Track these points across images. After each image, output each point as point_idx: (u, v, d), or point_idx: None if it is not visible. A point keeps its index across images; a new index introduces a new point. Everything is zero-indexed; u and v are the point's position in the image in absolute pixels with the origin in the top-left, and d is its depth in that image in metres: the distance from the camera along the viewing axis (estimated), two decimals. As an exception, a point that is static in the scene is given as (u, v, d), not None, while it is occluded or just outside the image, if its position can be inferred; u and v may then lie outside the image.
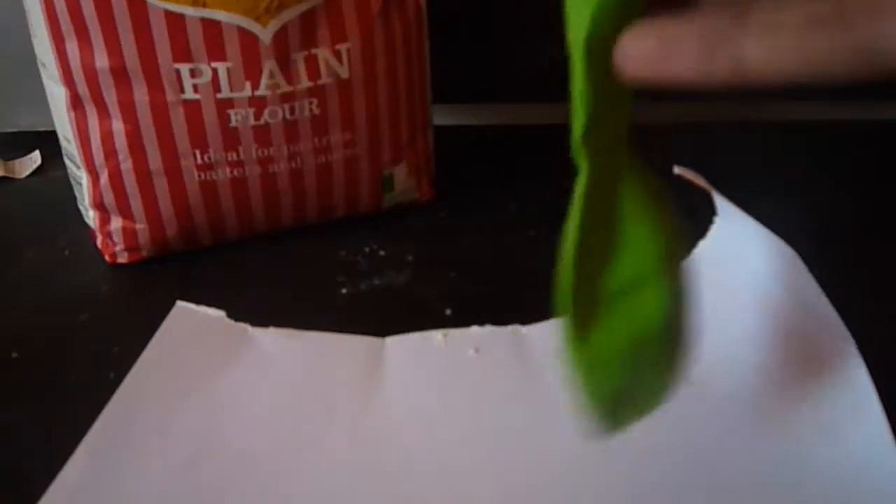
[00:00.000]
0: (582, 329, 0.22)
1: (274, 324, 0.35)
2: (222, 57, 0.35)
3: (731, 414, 0.29)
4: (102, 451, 0.28)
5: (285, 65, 0.36)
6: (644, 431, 0.29)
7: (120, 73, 0.35)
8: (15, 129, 0.56)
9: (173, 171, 0.37)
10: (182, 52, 0.35)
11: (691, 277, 0.24)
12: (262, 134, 0.37)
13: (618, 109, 0.21)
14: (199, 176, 0.38)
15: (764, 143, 0.52)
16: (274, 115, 0.37)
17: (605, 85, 0.20)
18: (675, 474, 0.27)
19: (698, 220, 0.37)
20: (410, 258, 0.40)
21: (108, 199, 0.38)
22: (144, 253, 0.40)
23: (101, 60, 0.35)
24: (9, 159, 0.51)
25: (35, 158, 0.51)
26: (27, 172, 0.50)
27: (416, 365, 0.32)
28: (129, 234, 0.39)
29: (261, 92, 0.36)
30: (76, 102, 0.37)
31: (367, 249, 0.41)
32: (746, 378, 0.31)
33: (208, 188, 0.38)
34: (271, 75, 0.36)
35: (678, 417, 0.29)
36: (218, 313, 0.35)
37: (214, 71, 0.36)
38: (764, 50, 0.16)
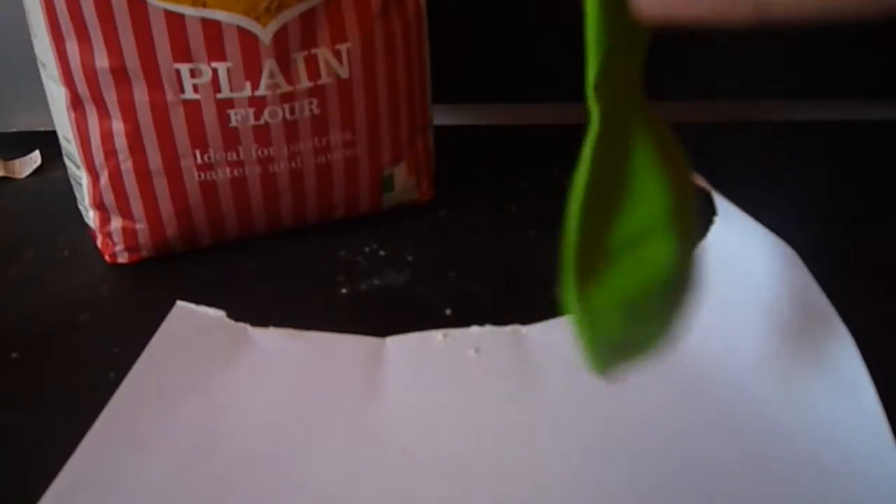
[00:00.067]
0: (585, 280, 0.21)
1: (274, 324, 0.35)
2: (222, 57, 0.35)
3: (730, 414, 0.29)
4: (102, 451, 0.28)
5: (285, 65, 0.36)
6: (644, 432, 0.29)
7: (120, 73, 0.35)
8: (15, 129, 0.56)
9: (173, 171, 0.37)
10: (182, 52, 0.35)
11: (701, 231, 0.24)
12: (262, 134, 0.37)
13: (632, 56, 0.21)
14: (199, 176, 0.38)
15: (764, 143, 0.52)
16: (274, 115, 0.37)
17: (619, 30, 0.19)
18: (675, 474, 0.27)
19: (698, 220, 0.37)
20: (410, 258, 0.40)
21: (108, 199, 0.38)
22: (144, 253, 0.40)
23: (101, 60, 0.35)
24: (9, 159, 0.51)
25: (35, 158, 0.51)
26: (27, 172, 0.50)
27: (416, 365, 0.32)
28: (129, 234, 0.39)
29: (261, 92, 0.37)
30: (76, 102, 0.37)
31: (367, 249, 0.41)
32: (746, 378, 0.31)
33: (208, 188, 0.38)
34: (271, 75, 0.36)
35: (678, 417, 0.29)
36: (218, 313, 0.35)
37: (214, 71, 0.36)
38: None
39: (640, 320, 0.23)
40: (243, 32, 0.35)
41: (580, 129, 0.22)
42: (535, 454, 0.28)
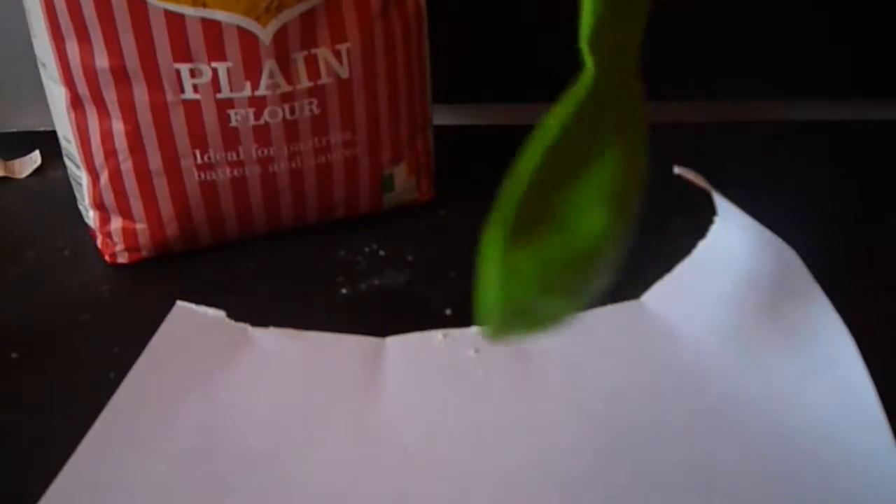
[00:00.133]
0: (514, 235, 0.21)
1: (274, 324, 0.35)
2: (222, 57, 0.35)
3: (730, 413, 0.29)
4: (102, 451, 0.28)
5: (285, 65, 0.36)
6: (644, 431, 0.29)
7: (120, 73, 0.35)
8: (15, 129, 0.56)
9: (173, 171, 0.37)
10: (182, 52, 0.35)
11: (636, 224, 0.23)
12: (262, 134, 0.37)
13: (632, 19, 0.20)
14: (199, 176, 0.38)
15: (764, 143, 0.52)
16: (274, 115, 0.37)
17: None
18: (675, 474, 0.27)
19: (698, 220, 0.37)
20: (410, 258, 0.40)
21: (108, 199, 0.38)
22: (144, 253, 0.40)
23: (101, 60, 0.35)
24: (9, 159, 0.50)
25: (35, 158, 0.51)
26: (27, 172, 0.50)
27: (416, 365, 0.32)
28: (129, 234, 0.39)
29: (261, 92, 0.36)
30: (76, 102, 0.37)
31: (367, 249, 0.41)
32: (746, 378, 0.31)
33: (208, 188, 0.38)
34: (271, 75, 0.36)
35: (678, 417, 0.29)
36: (218, 313, 0.35)
37: (214, 71, 0.36)
38: None
39: (552, 290, 0.22)
40: (243, 32, 0.35)
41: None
42: (535, 454, 0.28)
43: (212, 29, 0.35)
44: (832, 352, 0.31)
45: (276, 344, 0.34)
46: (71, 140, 0.38)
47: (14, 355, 0.34)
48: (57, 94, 0.37)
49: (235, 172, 0.38)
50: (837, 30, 0.52)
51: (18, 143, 0.52)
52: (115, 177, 0.37)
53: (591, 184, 0.21)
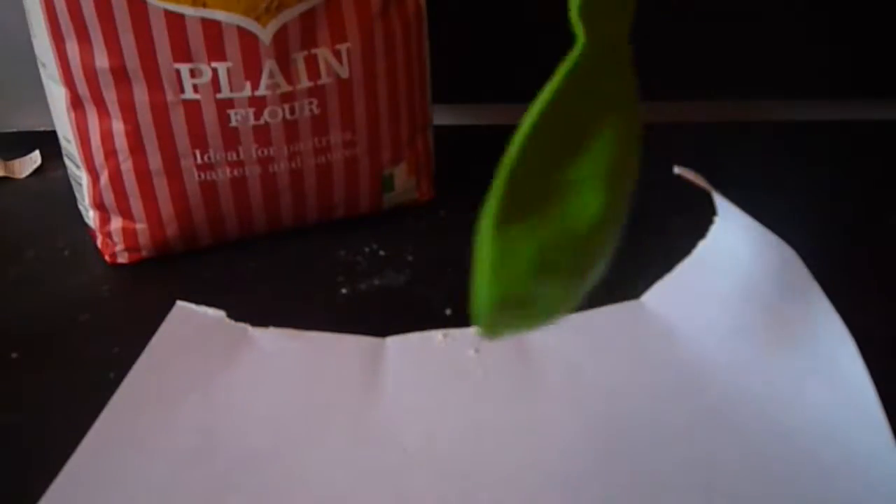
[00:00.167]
0: (506, 215, 0.20)
1: (274, 324, 0.35)
2: (222, 57, 0.35)
3: (730, 413, 0.29)
4: (102, 451, 0.28)
5: (285, 65, 0.36)
6: (644, 432, 0.29)
7: (120, 73, 0.35)
8: (15, 129, 0.56)
9: (173, 171, 0.37)
10: (182, 52, 0.35)
11: (631, 202, 0.23)
12: (262, 134, 0.37)
13: None
14: (199, 176, 0.38)
15: (764, 143, 0.52)
16: (274, 115, 0.37)
17: None
18: (675, 474, 0.27)
19: (698, 220, 0.37)
20: (410, 258, 0.40)
21: (108, 199, 0.38)
22: (144, 253, 0.40)
23: (101, 60, 0.35)
24: (9, 159, 0.51)
25: (35, 158, 0.51)
26: (27, 172, 0.50)
27: (416, 365, 0.32)
28: (129, 234, 0.39)
29: (261, 92, 0.37)
30: (76, 102, 0.37)
31: (367, 249, 0.41)
32: (745, 378, 0.31)
33: (208, 188, 0.38)
34: (271, 75, 0.36)
35: (678, 417, 0.29)
36: (218, 313, 0.35)
37: (214, 71, 0.36)
38: None
39: (550, 272, 0.21)
40: (243, 32, 0.35)
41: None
42: (535, 454, 0.28)
43: (212, 29, 0.35)
44: (832, 352, 0.31)
45: (276, 344, 0.34)
46: (71, 140, 0.38)
47: (14, 355, 0.34)
48: (57, 94, 0.37)
49: (235, 172, 0.38)
50: (837, 30, 0.52)
51: (18, 143, 0.52)
52: (115, 177, 0.37)
53: (586, 162, 0.21)
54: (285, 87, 0.37)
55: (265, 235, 0.41)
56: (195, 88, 0.36)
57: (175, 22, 0.34)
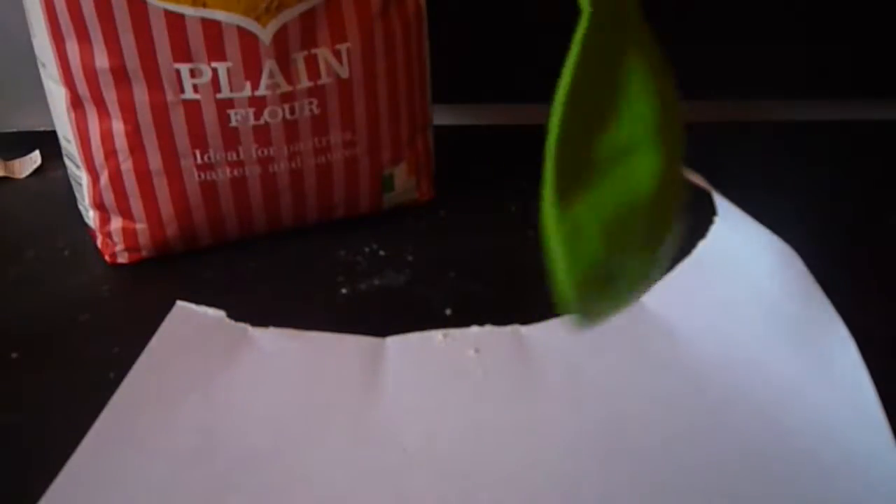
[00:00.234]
0: (564, 195, 0.20)
1: (274, 324, 0.35)
2: (222, 57, 0.35)
3: (730, 414, 0.29)
4: (102, 451, 0.28)
5: (285, 65, 0.36)
6: (644, 432, 0.29)
7: (120, 73, 0.35)
8: (15, 129, 0.56)
9: (173, 171, 0.37)
10: (182, 52, 0.35)
11: (685, 149, 0.22)
12: (262, 134, 0.37)
13: None
14: (199, 176, 0.38)
15: (764, 143, 0.52)
16: (274, 115, 0.37)
17: None
18: (675, 474, 0.27)
19: (698, 220, 0.37)
20: (410, 258, 0.40)
21: (108, 199, 0.38)
22: (144, 253, 0.40)
23: (101, 60, 0.35)
24: (9, 159, 0.51)
25: (35, 158, 0.51)
26: (27, 172, 0.50)
27: (416, 365, 0.32)
28: (129, 234, 0.39)
29: (261, 92, 0.36)
30: (76, 102, 0.37)
31: (367, 249, 0.41)
32: (746, 378, 0.31)
33: (208, 188, 0.38)
34: (271, 75, 0.36)
35: (678, 417, 0.29)
36: (218, 313, 0.35)
37: (214, 71, 0.36)
38: None
39: (622, 243, 0.21)
40: (243, 32, 0.35)
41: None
42: (535, 454, 0.28)
43: (212, 29, 0.35)
44: (832, 352, 0.31)
45: (276, 344, 0.34)
46: (71, 140, 0.38)
47: (14, 355, 0.34)
48: (57, 94, 0.37)
49: (235, 172, 0.38)
50: (837, 30, 0.52)
51: (18, 143, 0.52)
52: (115, 177, 0.37)
53: (627, 127, 0.20)
54: (285, 87, 0.37)
55: (265, 235, 0.41)
56: (195, 88, 0.36)
57: (175, 22, 0.34)
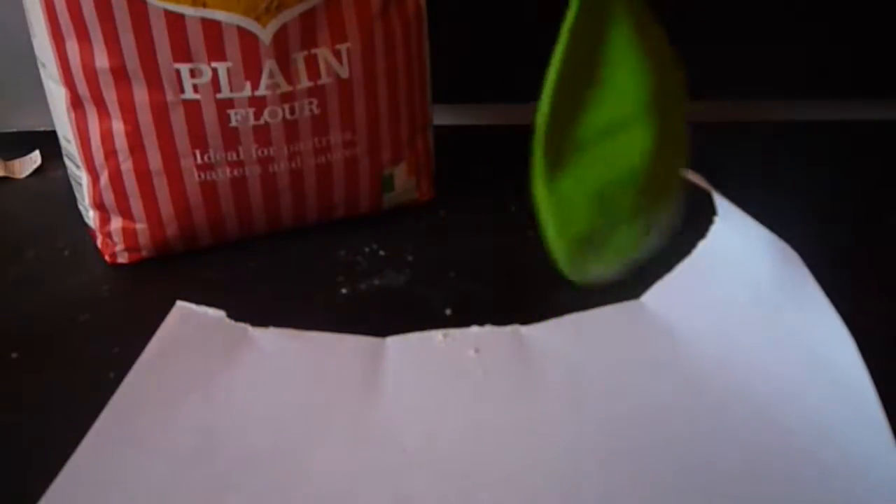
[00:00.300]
0: (555, 166, 0.21)
1: (274, 324, 0.35)
2: (222, 57, 0.35)
3: (730, 414, 0.29)
4: (102, 451, 0.28)
5: (285, 65, 0.36)
6: (644, 432, 0.29)
7: (120, 73, 0.35)
8: (15, 129, 0.56)
9: (173, 171, 0.37)
10: (182, 52, 0.35)
11: (685, 122, 0.23)
12: (262, 134, 0.37)
13: None
14: (199, 176, 0.38)
15: (764, 143, 0.52)
16: (274, 115, 0.37)
17: None
18: (675, 474, 0.27)
19: (698, 220, 0.37)
20: (410, 258, 0.40)
21: (108, 199, 0.38)
22: (144, 253, 0.40)
23: (101, 60, 0.35)
24: (9, 159, 0.51)
25: (35, 158, 0.51)
26: (27, 172, 0.50)
27: (416, 365, 0.32)
28: (129, 234, 0.39)
29: (261, 92, 0.37)
30: (76, 102, 0.37)
31: (367, 249, 0.41)
32: (745, 378, 0.31)
33: (208, 188, 0.38)
34: (271, 75, 0.36)
35: (678, 417, 0.29)
36: (218, 313, 0.35)
37: (214, 71, 0.36)
38: None
39: (610, 212, 0.22)
40: (243, 32, 0.35)
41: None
42: (535, 454, 0.28)
43: (212, 29, 0.35)
44: (832, 352, 0.31)
45: (276, 344, 0.34)
46: (71, 140, 0.38)
47: (14, 355, 0.34)
48: (57, 94, 0.37)
49: (235, 172, 0.38)
50: (837, 30, 0.52)
51: (18, 143, 0.52)
52: (115, 177, 0.37)
53: (617, 97, 0.21)
54: (285, 87, 0.37)
55: (265, 235, 0.41)
56: (195, 88, 0.36)
57: (175, 22, 0.34)
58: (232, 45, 0.35)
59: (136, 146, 0.37)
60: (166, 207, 0.38)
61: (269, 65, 0.36)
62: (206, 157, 0.37)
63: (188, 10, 0.34)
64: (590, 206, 0.21)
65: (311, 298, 0.37)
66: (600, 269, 0.23)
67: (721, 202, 0.37)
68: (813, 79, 0.54)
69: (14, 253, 0.41)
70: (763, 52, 0.53)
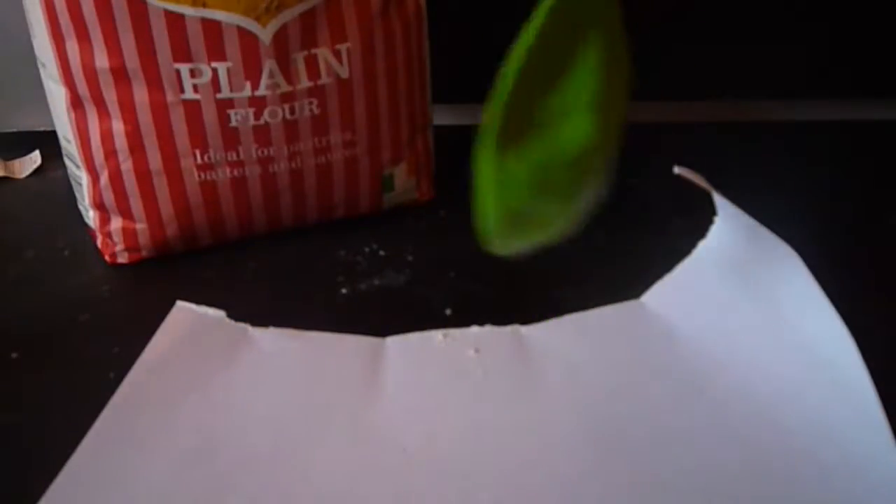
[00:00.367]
0: (503, 142, 0.22)
1: (274, 324, 0.35)
2: (222, 57, 0.35)
3: (730, 414, 0.29)
4: (102, 451, 0.28)
5: (285, 65, 0.36)
6: (644, 432, 0.29)
7: (120, 73, 0.35)
8: (15, 129, 0.56)
9: (173, 171, 0.37)
10: (182, 52, 0.35)
11: (625, 116, 0.24)
12: (262, 134, 0.37)
13: None
14: (199, 176, 0.38)
15: (764, 143, 0.52)
16: (274, 115, 0.37)
17: None
18: (675, 474, 0.27)
19: (698, 220, 0.37)
20: (410, 258, 0.40)
21: (108, 199, 0.38)
22: (144, 253, 0.40)
23: (101, 60, 0.35)
24: (9, 159, 0.51)
25: (35, 158, 0.51)
26: (27, 172, 0.50)
27: (416, 365, 0.32)
28: (129, 234, 0.39)
29: (261, 92, 0.37)
30: (76, 102, 0.37)
31: (367, 249, 0.41)
32: (745, 378, 0.31)
33: (208, 188, 0.38)
34: (271, 75, 0.36)
35: (678, 417, 0.29)
36: (218, 313, 0.35)
37: (214, 71, 0.36)
38: None
39: (547, 192, 0.23)
40: (243, 32, 0.35)
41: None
42: (535, 454, 0.28)
43: (212, 29, 0.35)
44: (832, 352, 0.31)
45: (276, 344, 0.34)
46: (71, 140, 0.38)
47: (14, 355, 0.34)
48: (57, 94, 0.37)
49: (235, 172, 0.38)
50: (837, 30, 0.52)
51: (18, 143, 0.52)
52: (115, 177, 0.37)
53: (572, 90, 0.22)
54: (285, 87, 0.37)
55: (265, 235, 0.41)
56: (195, 88, 0.36)
57: (175, 22, 0.34)
58: (232, 45, 0.35)
59: (136, 146, 0.37)
60: (166, 207, 0.38)
61: (269, 65, 0.36)
62: (206, 157, 0.37)
63: (188, 10, 0.34)
64: (530, 183, 0.22)
65: (311, 298, 0.37)
66: (521, 244, 0.24)
67: (721, 202, 0.37)
68: (813, 79, 0.54)
69: (14, 253, 0.41)
70: (763, 52, 0.53)
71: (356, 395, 0.31)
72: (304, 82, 0.37)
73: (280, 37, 0.36)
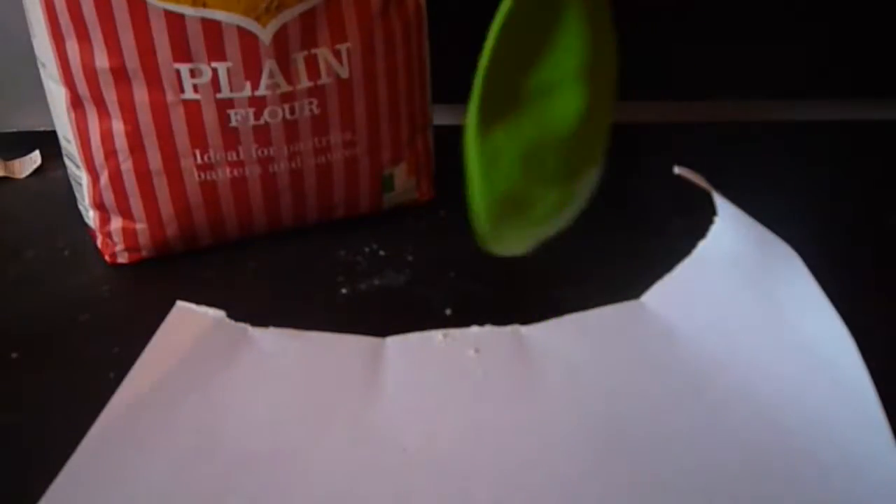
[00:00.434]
0: (490, 120, 0.21)
1: (274, 324, 0.35)
2: (222, 57, 0.35)
3: (730, 414, 0.29)
4: (102, 451, 0.28)
5: (285, 65, 0.36)
6: (644, 432, 0.29)
7: (120, 73, 0.35)
8: (15, 129, 0.56)
9: (173, 171, 0.37)
10: (182, 52, 0.35)
11: (614, 96, 0.23)
12: (262, 134, 0.37)
13: None
14: (199, 176, 0.38)
15: (764, 143, 0.52)
16: (274, 115, 0.37)
17: None
18: (675, 474, 0.27)
19: (698, 220, 0.37)
20: (410, 258, 0.40)
21: (108, 199, 0.38)
22: (144, 253, 0.40)
23: (101, 60, 0.35)
24: (9, 159, 0.51)
25: (35, 158, 0.51)
26: (27, 172, 0.50)
27: (416, 365, 0.32)
28: (129, 234, 0.39)
29: (261, 92, 0.36)
30: (76, 102, 0.37)
31: (367, 249, 0.41)
32: (745, 378, 0.31)
33: (208, 188, 0.38)
34: (271, 75, 0.36)
35: (678, 417, 0.29)
36: (218, 313, 0.35)
37: (214, 71, 0.36)
38: None
39: (538, 173, 0.22)
40: (243, 32, 0.35)
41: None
42: (535, 454, 0.28)
43: (212, 29, 0.35)
44: (832, 352, 0.31)
45: (275, 344, 0.34)
46: (71, 140, 0.38)
47: (14, 355, 0.34)
48: (57, 94, 0.37)
49: (235, 172, 0.38)
50: (837, 30, 0.52)
51: (18, 143, 0.52)
52: (115, 177, 0.37)
53: (558, 63, 0.22)
54: (285, 87, 0.37)
55: (265, 235, 0.41)
56: (195, 88, 0.36)
57: (175, 22, 0.34)
58: (232, 45, 0.35)
59: (136, 146, 0.37)
60: (166, 207, 0.38)
61: (269, 65, 0.36)
62: (206, 157, 0.37)
63: (188, 10, 0.34)
64: (519, 163, 0.21)
65: (311, 298, 0.37)
66: (521, 236, 0.23)
67: (721, 202, 0.37)
68: (813, 79, 0.54)
69: (14, 253, 0.41)
70: (763, 52, 0.53)
71: (356, 395, 0.31)
72: (304, 82, 0.37)
73: (280, 37, 0.36)
